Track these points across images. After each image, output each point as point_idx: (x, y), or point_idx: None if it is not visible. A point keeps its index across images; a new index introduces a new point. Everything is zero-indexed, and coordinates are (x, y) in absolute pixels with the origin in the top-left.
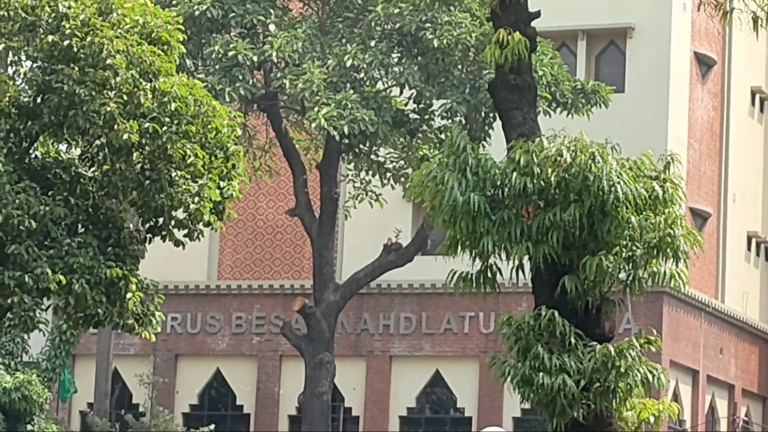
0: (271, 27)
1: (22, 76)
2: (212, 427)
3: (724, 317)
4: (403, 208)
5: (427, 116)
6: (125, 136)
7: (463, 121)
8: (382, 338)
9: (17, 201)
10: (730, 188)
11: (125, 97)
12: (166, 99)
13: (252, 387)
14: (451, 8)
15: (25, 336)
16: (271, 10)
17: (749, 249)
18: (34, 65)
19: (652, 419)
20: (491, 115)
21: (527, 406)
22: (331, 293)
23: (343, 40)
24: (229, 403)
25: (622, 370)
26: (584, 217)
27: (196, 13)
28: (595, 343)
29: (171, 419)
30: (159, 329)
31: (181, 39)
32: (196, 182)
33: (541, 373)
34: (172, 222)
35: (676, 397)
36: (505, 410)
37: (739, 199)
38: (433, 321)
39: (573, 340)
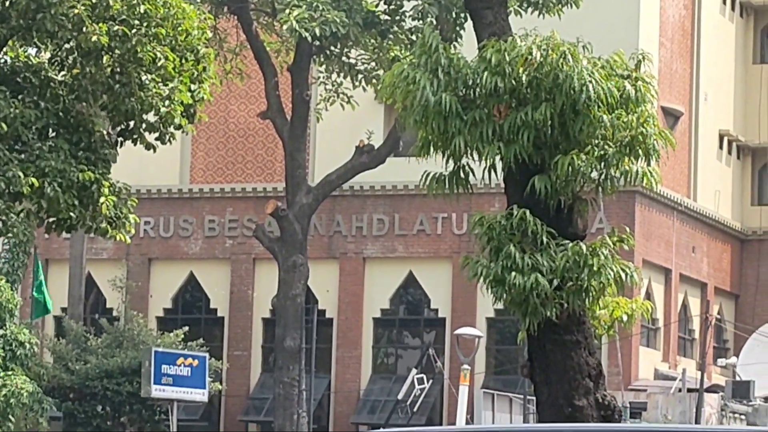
0: None
1: None
2: (186, 329)
3: (696, 216)
4: (375, 109)
5: (398, 17)
6: (94, 39)
7: (434, 22)
8: (355, 240)
9: None
10: (701, 87)
11: (94, 0)
12: (135, 1)
13: (226, 290)
14: None
15: None
16: None
17: (721, 147)
18: None
19: (625, 318)
20: (462, 15)
21: (501, 306)
22: (303, 195)
23: None
24: (203, 307)
25: (595, 268)
26: (556, 117)
27: None
28: (567, 241)
29: (145, 323)
30: (133, 231)
31: None
32: (167, 85)
33: (513, 273)
34: (143, 125)
35: (648, 296)
36: (479, 311)
37: (711, 97)
38: (405, 222)
39: (545, 239)
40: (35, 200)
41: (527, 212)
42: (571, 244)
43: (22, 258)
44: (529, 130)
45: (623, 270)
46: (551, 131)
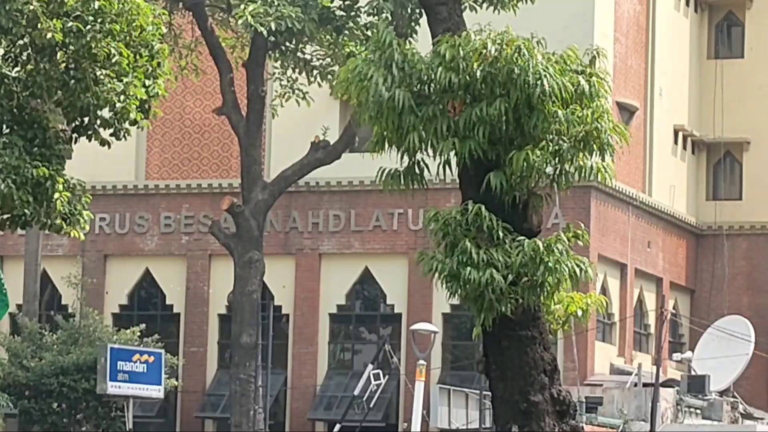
0: None
1: None
2: (142, 326)
3: (651, 211)
4: (331, 105)
5: (353, 13)
6: (49, 36)
7: (389, 18)
8: (311, 236)
9: None
10: (656, 82)
11: None
12: None
13: (181, 287)
14: None
15: None
16: None
17: (676, 142)
18: None
19: (579, 313)
20: (417, 11)
21: (457, 301)
22: (259, 191)
23: None
24: (158, 303)
25: (551, 264)
26: (510, 112)
27: None
28: (523, 237)
29: (101, 320)
30: (87, 228)
31: None
32: (122, 81)
33: (468, 268)
34: (98, 121)
35: (604, 291)
36: (435, 306)
37: (666, 92)
38: (361, 218)
39: (501, 235)
40: None
41: (482, 208)
42: (527, 241)
43: None
44: (483, 125)
45: (578, 265)
46: (506, 127)
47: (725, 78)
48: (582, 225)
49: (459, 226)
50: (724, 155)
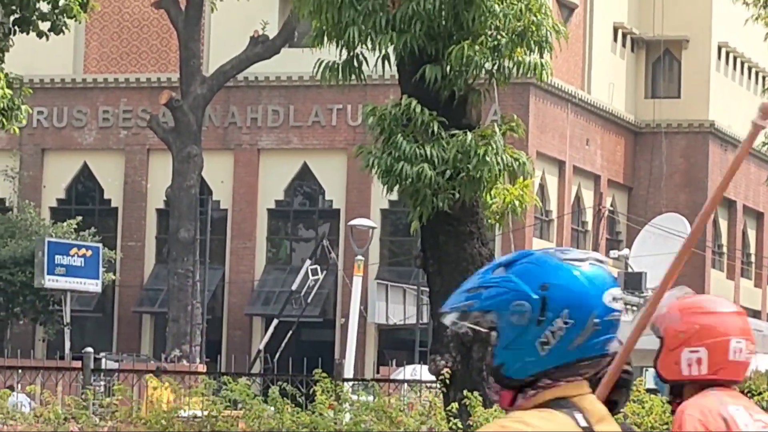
0: None
1: None
2: (79, 219)
3: (590, 108)
4: None
5: None
6: None
7: None
8: (249, 131)
9: None
10: None
11: None
12: None
13: (119, 181)
14: None
15: None
16: None
17: (615, 40)
18: None
19: (516, 204)
20: None
21: (395, 197)
22: (198, 86)
23: None
24: (96, 197)
25: (486, 157)
26: (448, 6)
27: None
28: (458, 131)
29: (37, 213)
30: (24, 122)
31: None
32: None
33: (401, 162)
34: (36, 14)
35: (542, 188)
36: (373, 202)
37: None
38: (300, 113)
39: (436, 129)
40: None
41: (415, 101)
42: (461, 134)
43: None
44: (420, 19)
45: (515, 159)
46: (445, 21)
47: None
48: (515, 117)
49: (394, 120)
50: (663, 53)
